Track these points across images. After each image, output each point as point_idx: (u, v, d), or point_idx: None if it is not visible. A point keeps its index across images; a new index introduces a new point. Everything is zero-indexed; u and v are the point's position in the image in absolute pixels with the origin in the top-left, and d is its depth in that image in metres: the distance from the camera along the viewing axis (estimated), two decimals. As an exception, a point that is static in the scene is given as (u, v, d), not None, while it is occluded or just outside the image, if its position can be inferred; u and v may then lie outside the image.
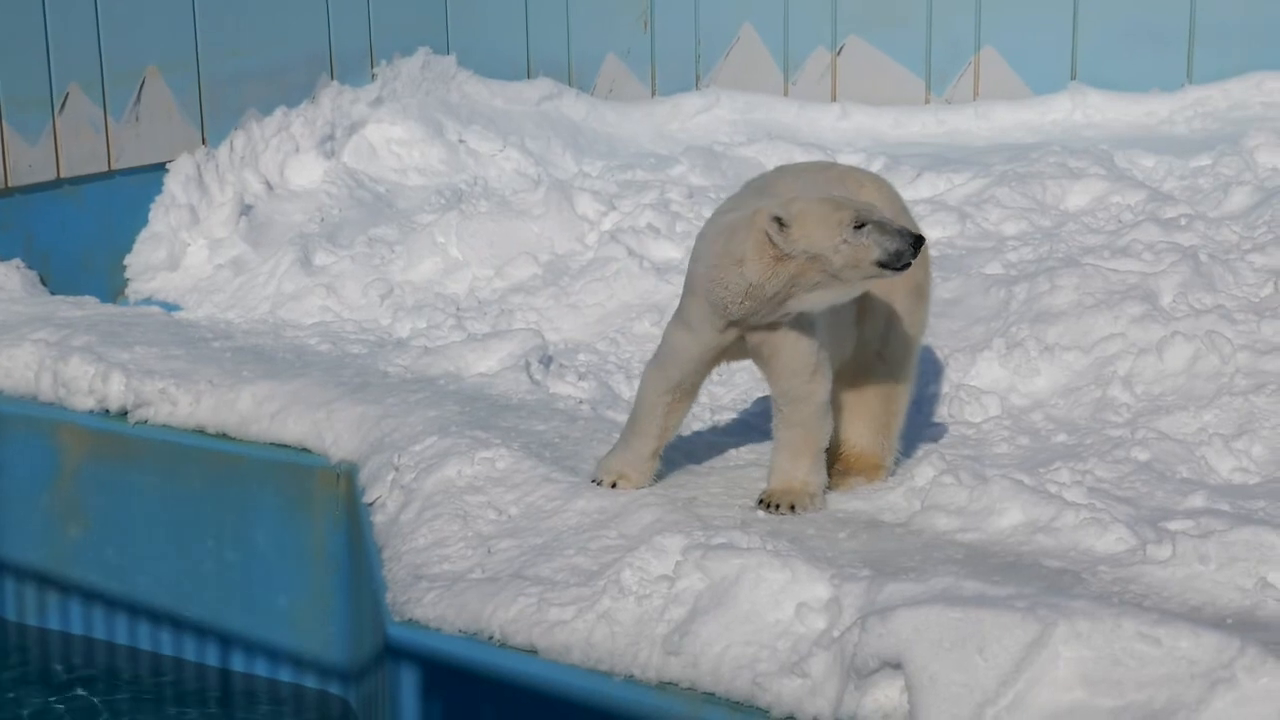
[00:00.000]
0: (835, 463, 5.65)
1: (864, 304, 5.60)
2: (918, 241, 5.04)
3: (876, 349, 5.68)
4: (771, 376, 5.41)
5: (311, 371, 7.27)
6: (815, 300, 5.15)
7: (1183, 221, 8.36)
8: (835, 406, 5.54)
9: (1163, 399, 6.45)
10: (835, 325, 5.50)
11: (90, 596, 7.28)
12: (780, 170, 5.90)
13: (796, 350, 5.30)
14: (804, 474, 5.38)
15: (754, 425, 6.45)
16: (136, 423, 7.14)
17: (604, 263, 8.94)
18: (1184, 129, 11.53)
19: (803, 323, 5.29)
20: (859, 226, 5.00)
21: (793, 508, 5.30)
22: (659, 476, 5.64)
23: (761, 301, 5.14)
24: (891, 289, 5.61)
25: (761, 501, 5.37)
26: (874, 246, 5.00)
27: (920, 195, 9.95)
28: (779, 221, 5.01)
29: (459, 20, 12.68)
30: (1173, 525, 4.88)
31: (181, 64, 10.75)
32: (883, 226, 5.03)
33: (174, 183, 10.50)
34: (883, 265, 5.03)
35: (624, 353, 8.03)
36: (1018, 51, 12.45)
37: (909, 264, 5.06)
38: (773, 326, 5.26)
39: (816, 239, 5.01)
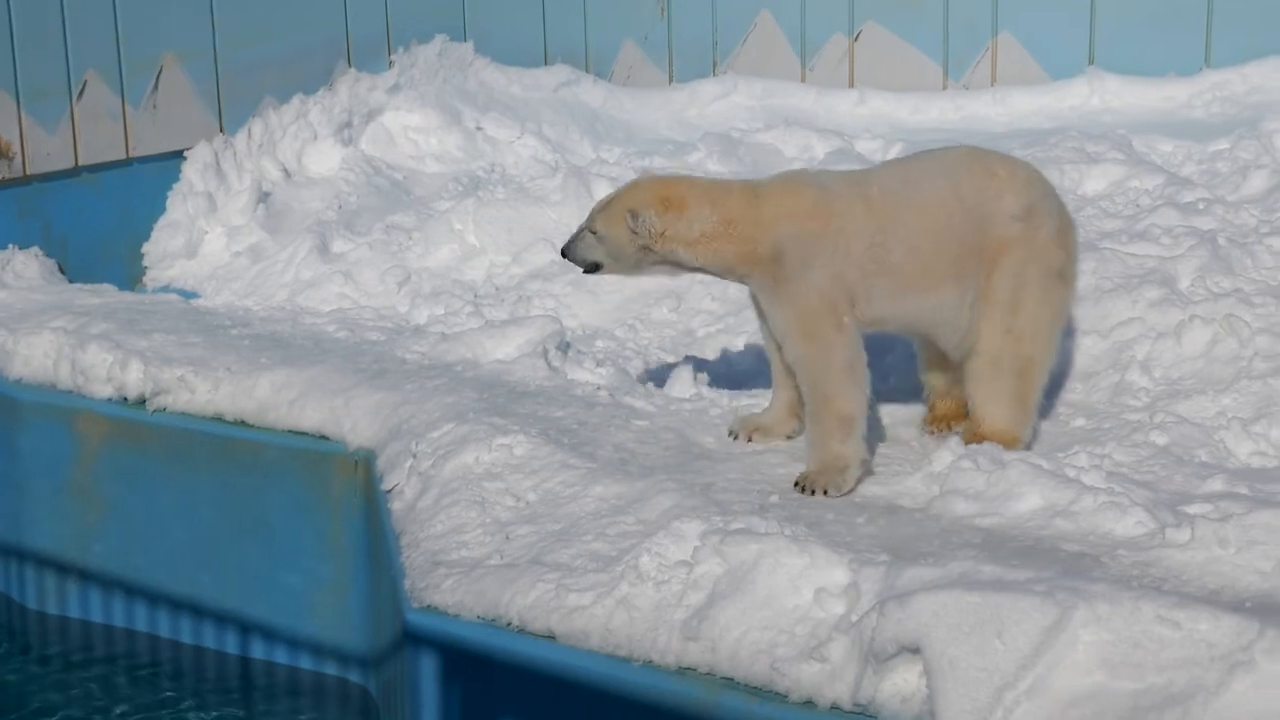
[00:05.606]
0: (972, 436, 5.71)
1: (985, 284, 5.68)
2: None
3: (1005, 325, 5.69)
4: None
5: (329, 358, 7.28)
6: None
7: (1201, 205, 8.33)
8: (973, 381, 5.72)
9: (1181, 383, 6.43)
10: (938, 307, 5.69)
11: (109, 585, 7.30)
12: (919, 154, 6.13)
13: (780, 312, 5.52)
14: (835, 448, 5.44)
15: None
16: (155, 410, 7.15)
17: (621, 249, 8.91)
18: (1202, 113, 11.46)
19: (787, 283, 5.48)
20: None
21: (825, 491, 5.37)
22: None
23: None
24: (1025, 268, 5.70)
25: (797, 484, 5.45)
26: None
27: (938, 180, 9.90)
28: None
29: (476, 7, 12.71)
30: (1191, 509, 4.87)
31: (199, 52, 10.78)
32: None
33: (192, 170, 10.51)
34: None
35: (642, 339, 8.04)
36: (1035, 37, 12.38)
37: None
38: (759, 285, 5.57)
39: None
